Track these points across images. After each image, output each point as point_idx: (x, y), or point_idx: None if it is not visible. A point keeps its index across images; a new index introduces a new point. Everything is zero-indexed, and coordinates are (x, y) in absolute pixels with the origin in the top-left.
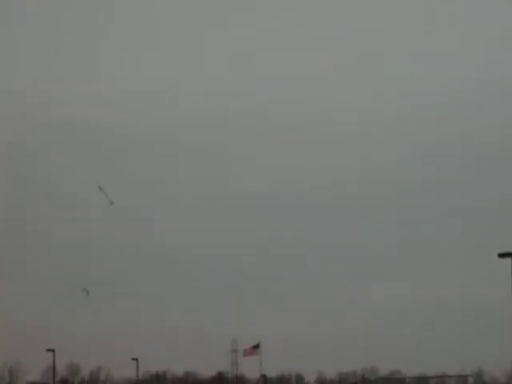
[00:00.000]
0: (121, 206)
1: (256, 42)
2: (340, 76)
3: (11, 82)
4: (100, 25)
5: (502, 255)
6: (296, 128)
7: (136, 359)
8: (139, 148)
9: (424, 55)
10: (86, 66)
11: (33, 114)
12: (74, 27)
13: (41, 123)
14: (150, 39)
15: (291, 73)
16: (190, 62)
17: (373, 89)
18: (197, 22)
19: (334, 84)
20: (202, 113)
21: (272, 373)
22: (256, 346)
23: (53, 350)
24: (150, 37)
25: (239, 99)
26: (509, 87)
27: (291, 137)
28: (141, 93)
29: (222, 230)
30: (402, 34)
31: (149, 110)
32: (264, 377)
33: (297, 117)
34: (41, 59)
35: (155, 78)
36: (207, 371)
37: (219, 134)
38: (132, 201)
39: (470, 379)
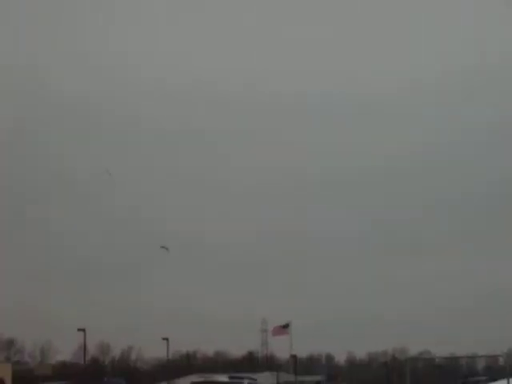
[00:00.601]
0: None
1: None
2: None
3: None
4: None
5: None
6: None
7: (166, 339)
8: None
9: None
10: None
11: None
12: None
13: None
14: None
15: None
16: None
17: None
18: None
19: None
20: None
21: (302, 353)
22: (285, 326)
23: (83, 330)
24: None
25: None
26: None
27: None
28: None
29: (244, 216)
30: None
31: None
32: (294, 357)
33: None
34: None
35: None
36: (237, 351)
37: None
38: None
39: (501, 359)
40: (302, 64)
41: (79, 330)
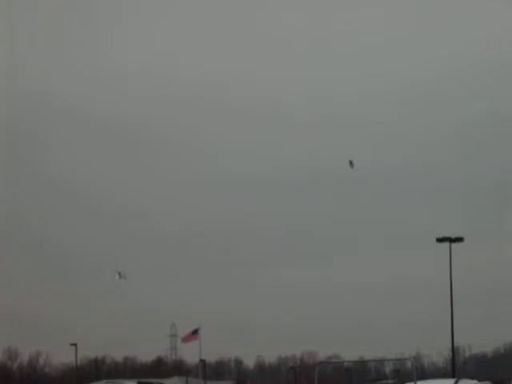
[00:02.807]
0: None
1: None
2: None
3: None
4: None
5: (439, 240)
6: None
7: (75, 344)
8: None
9: None
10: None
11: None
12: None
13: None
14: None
15: None
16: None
17: None
18: None
19: None
20: None
21: (211, 357)
22: (195, 331)
23: None
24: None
25: None
26: None
27: None
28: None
29: None
30: None
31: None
32: (203, 361)
33: None
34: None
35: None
36: (146, 356)
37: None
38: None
39: (409, 363)
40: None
41: None
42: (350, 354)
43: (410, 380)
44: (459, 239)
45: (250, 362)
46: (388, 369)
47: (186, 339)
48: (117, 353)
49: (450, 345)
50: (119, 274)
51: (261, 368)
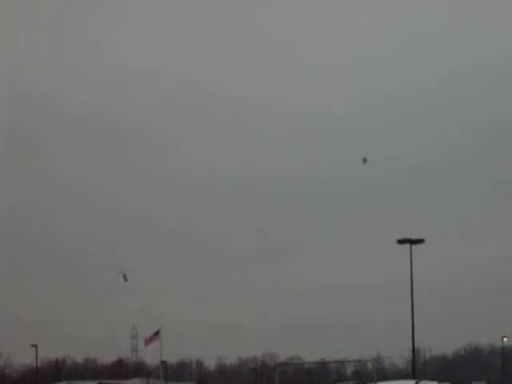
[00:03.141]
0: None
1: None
2: None
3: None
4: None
5: (400, 241)
6: None
7: (35, 345)
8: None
9: None
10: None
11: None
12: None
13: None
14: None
15: None
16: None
17: None
18: None
19: None
20: None
21: (172, 358)
22: (157, 333)
23: None
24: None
25: None
26: None
27: None
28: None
29: None
30: None
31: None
32: (164, 363)
33: None
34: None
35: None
36: (107, 358)
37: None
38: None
39: (370, 364)
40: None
41: None
42: (310, 356)
43: (371, 381)
44: (420, 241)
45: (211, 364)
46: (349, 370)
47: (148, 341)
48: (77, 354)
49: (410, 346)
50: (124, 276)
51: (222, 369)
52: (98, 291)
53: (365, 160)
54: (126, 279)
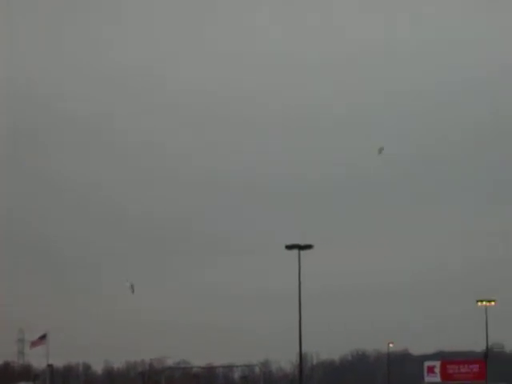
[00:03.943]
0: None
1: None
2: None
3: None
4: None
5: (288, 247)
6: None
7: None
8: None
9: None
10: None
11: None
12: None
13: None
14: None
15: None
16: None
17: None
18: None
19: None
20: None
21: (59, 362)
22: (43, 337)
23: None
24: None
25: None
26: None
27: None
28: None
29: None
30: None
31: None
32: (50, 366)
33: None
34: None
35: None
36: None
37: None
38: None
39: (257, 369)
40: None
41: None
42: (198, 360)
43: None
44: (308, 246)
45: (98, 367)
46: (236, 375)
47: (34, 344)
48: None
49: (298, 351)
50: (132, 286)
51: (109, 373)
52: None
53: (381, 150)
54: (133, 290)
